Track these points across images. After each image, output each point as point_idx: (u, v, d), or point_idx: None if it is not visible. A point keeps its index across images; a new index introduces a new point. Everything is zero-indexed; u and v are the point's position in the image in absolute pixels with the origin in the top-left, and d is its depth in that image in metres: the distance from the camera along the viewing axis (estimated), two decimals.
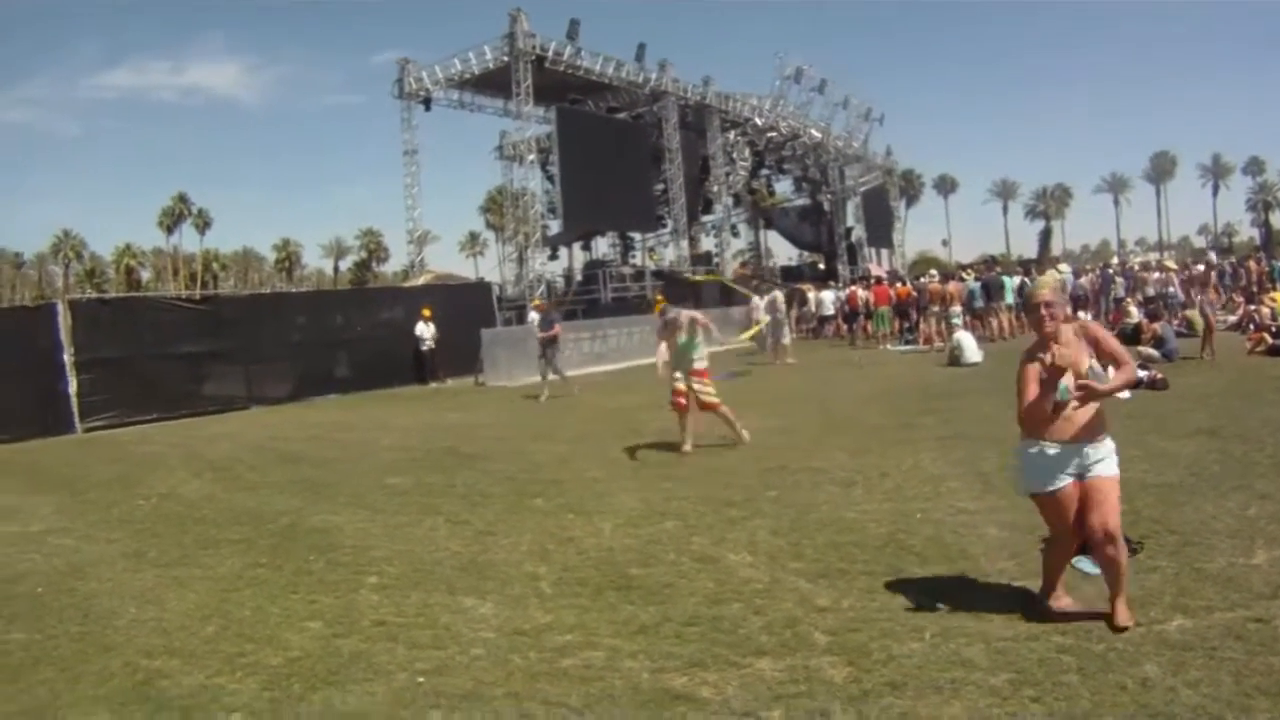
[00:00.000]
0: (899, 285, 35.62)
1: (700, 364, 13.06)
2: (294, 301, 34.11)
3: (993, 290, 30.53)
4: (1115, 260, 54.49)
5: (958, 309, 28.31)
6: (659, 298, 39.58)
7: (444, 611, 6.71)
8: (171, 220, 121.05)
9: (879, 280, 38.39)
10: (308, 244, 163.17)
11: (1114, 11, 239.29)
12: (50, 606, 7.63)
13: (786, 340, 28.32)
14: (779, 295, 30.43)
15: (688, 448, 12.76)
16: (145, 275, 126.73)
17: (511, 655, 5.78)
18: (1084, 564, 6.25)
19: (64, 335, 21.67)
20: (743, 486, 10.28)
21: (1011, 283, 30.94)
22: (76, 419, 21.32)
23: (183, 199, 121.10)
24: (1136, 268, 38.66)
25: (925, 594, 6.29)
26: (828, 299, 37.89)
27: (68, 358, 21.59)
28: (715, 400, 12.96)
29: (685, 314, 13.29)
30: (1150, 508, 8.08)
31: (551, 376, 21.96)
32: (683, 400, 12.99)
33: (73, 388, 21.51)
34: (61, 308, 22.59)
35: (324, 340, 26.88)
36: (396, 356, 26.26)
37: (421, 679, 5.52)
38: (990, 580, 6.47)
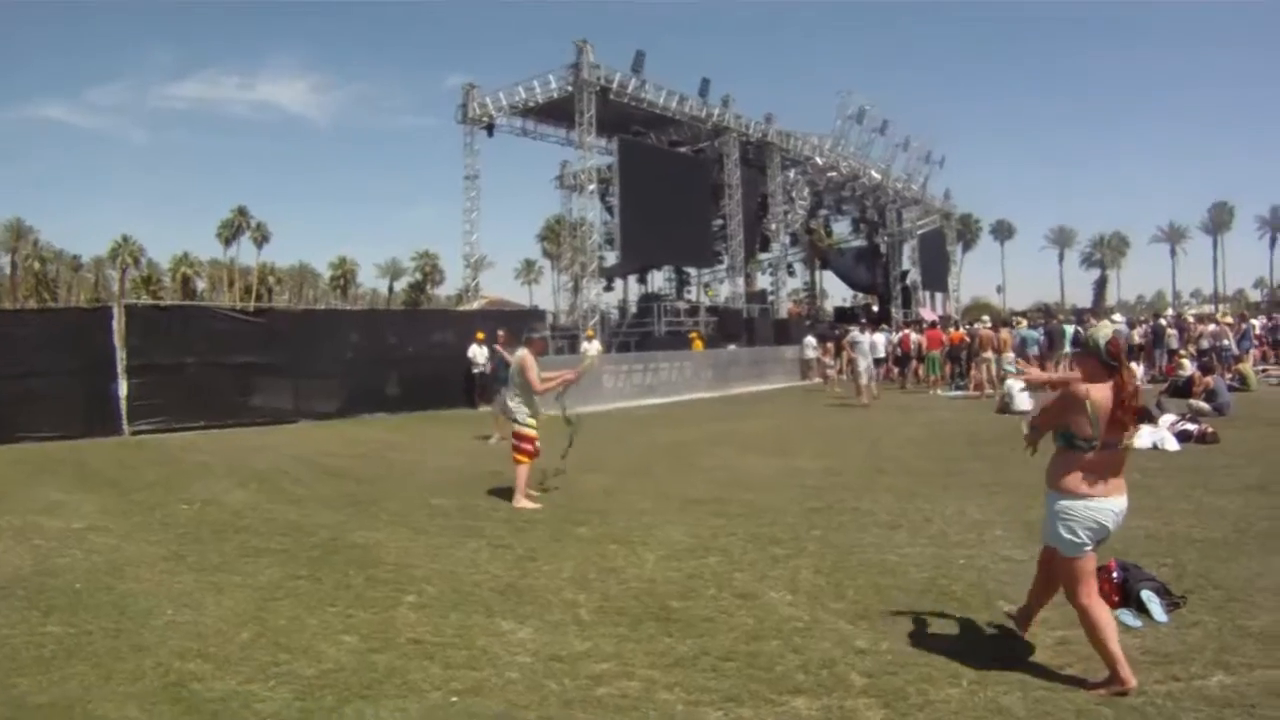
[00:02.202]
0: (952, 330, 35.48)
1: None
2: (347, 319, 34.38)
3: (1054, 339, 30.32)
4: (1169, 312, 53.80)
5: (1010, 356, 28.16)
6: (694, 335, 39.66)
7: (481, 633, 6.73)
8: (230, 232, 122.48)
9: (932, 324, 38.27)
10: (364, 263, 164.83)
11: (1173, 62, 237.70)
12: (87, 602, 7.72)
13: (864, 380, 27.97)
14: (859, 335, 30.11)
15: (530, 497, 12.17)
16: (201, 285, 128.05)
17: (547, 680, 5.79)
18: (1126, 616, 6.19)
19: (118, 339, 21.87)
20: (788, 525, 10.26)
21: (1070, 331, 30.75)
22: (124, 421, 21.48)
23: (242, 212, 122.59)
24: (1191, 320, 38.28)
25: (964, 640, 6.26)
26: (880, 341, 37.82)
27: (120, 361, 21.78)
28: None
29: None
30: (1195, 563, 8.02)
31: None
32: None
33: (123, 390, 21.68)
34: (117, 311, 22.78)
35: (375, 359, 26.95)
36: (447, 378, 26.33)
37: (455, 699, 5.54)
38: (1032, 630, 6.41)
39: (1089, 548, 5.60)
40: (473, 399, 26.38)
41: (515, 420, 12.13)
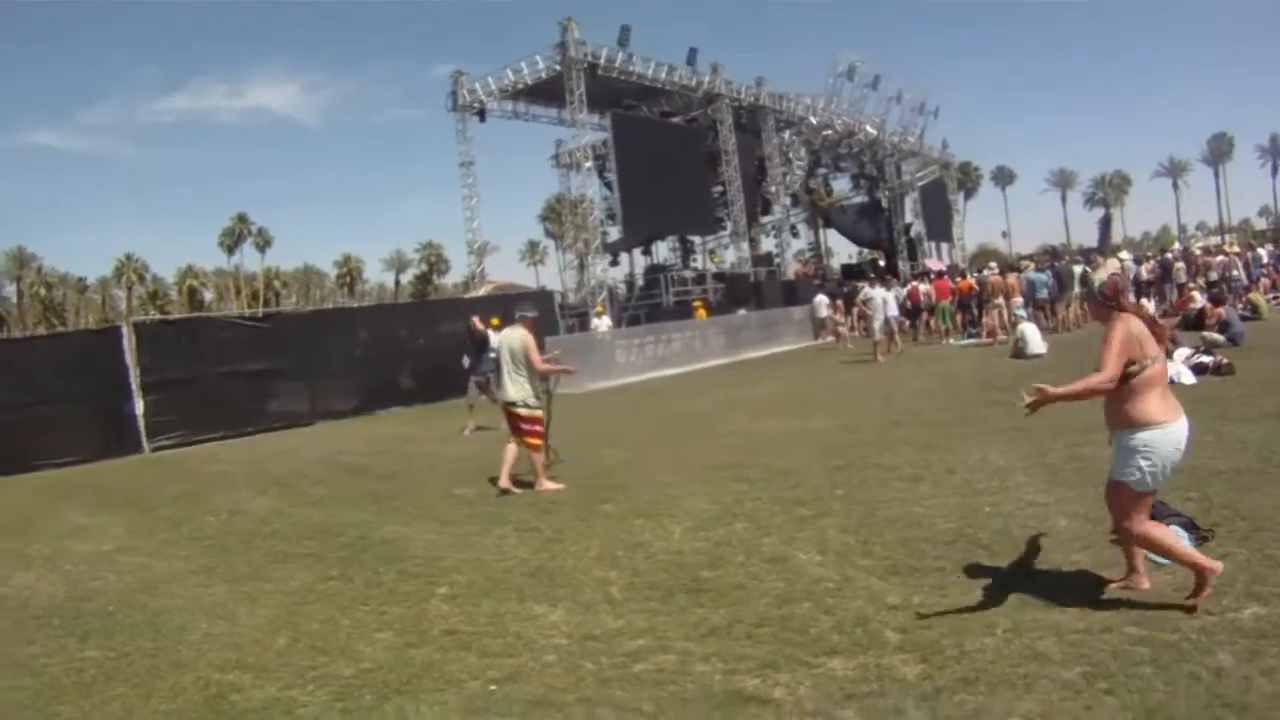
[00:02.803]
0: (960, 279, 35.40)
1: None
2: (356, 316, 34.44)
3: (1063, 280, 30.16)
4: (1176, 246, 53.63)
5: (1020, 300, 28.13)
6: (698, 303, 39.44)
7: (515, 619, 6.75)
8: (232, 240, 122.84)
9: (939, 275, 38.18)
10: (369, 259, 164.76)
11: None
12: (122, 623, 7.73)
13: (879, 336, 27.80)
14: (869, 290, 29.87)
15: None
16: (208, 295, 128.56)
17: (583, 661, 5.81)
18: (1154, 554, 6.19)
19: (129, 357, 21.89)
20: (811, 486, 10.27)
21: (1079, 272, 30.63)
22: (144, 439, 21.51)
23: (243, 219, 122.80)
24: (1198, 253, 38.15)
25: (996, 588, 6.27)
26: (877, 296, 37.81)
27: (134, 379, 21.80)
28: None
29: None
30: (1220, 494, 8.00)
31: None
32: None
33: (139, 408, 21.70)
34: (126, 330, 22.83)
35: (387, 354, 26.99)
36: (460, 368, 26.28)
37: (493, 687, 5.55)
38: (1061, 572, 6.41)
39: (1156, 483, 5.66)
40: (488, 386, 26.00)
41: (521, 405, 11.85)
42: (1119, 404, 5.66)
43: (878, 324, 27.67)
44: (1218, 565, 5.56)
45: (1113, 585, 5.95)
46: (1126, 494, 5.69)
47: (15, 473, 18.79)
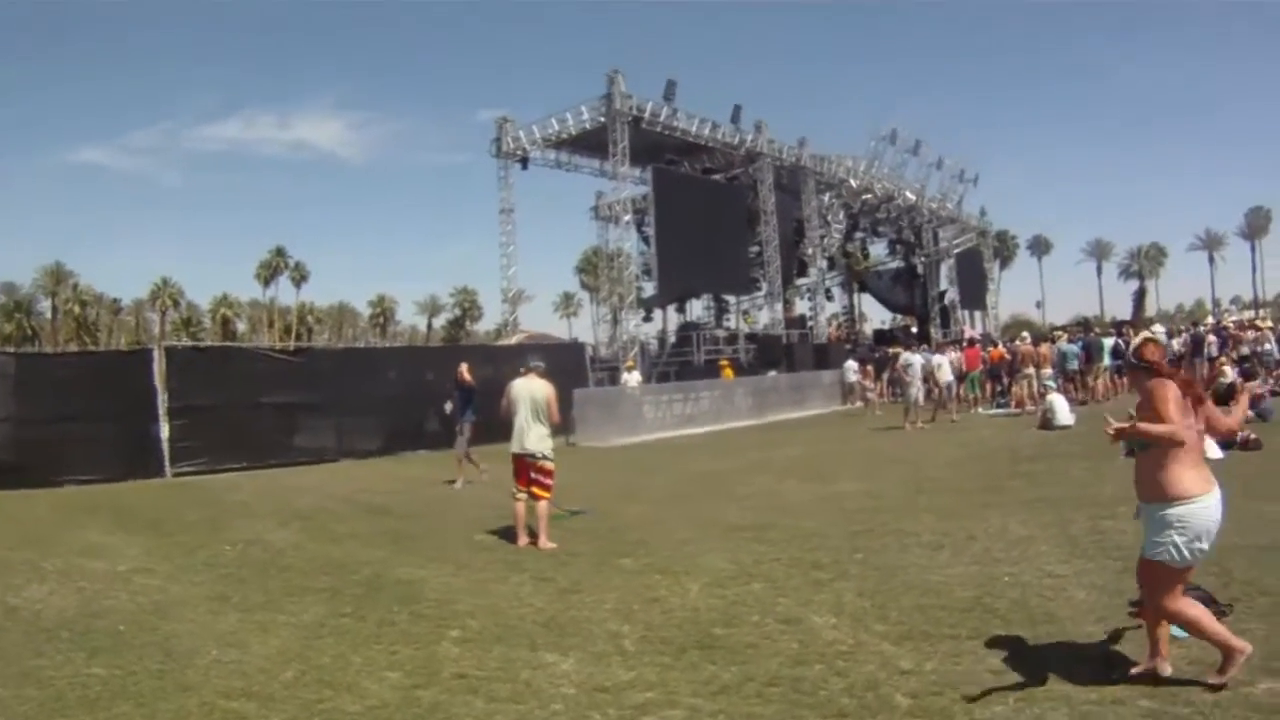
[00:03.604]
0: (992, 348, 35.33)
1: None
2: (387, 356, 34.49)
3: (1092, 352, 30.10)
4: (1209, 320, 53.35)
5: (1049, 371, 28.07)
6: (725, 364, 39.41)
7: (525, 667, 6.75)
8: (269, 273, 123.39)
9: (970, 342, 38.12)
10: (403, 300, 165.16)
11: (1202, 67, 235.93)
12: (132, 643, 7.79)
13: (912, 401, 27.54)
14: (909, 356, 29.76)
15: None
16: (241, 326, 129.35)
17: (590, 712, 5.81)
18: (1171, 628, 6.16)
19: (158, 381, 22.04)
20: (831, 549, 10.25)
21: (1109, 344, 30.51)
22: (167, 463, 21.61)
23: (280, 252, 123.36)
24: (1231, 326, 37.98)
25: (1010, 657, 6.24)
26: (917, 362, 37.73)
27: (161, 403, 21.92)
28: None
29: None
30: (1241, 570, 7.98)
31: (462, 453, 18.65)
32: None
33: (165, 432, 21.81)
34: (157, 353, 23.03)
35: (416, 396, 26.95)
36: (488, 414, 26.17)
37: None
38: (1076, 643, 6.38)
39: (1194, 559, 5.60)
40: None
41: (541, 456, 11.76)
42: (1152, 472, 5.63)
43: (914, 390, 27.47)
44: (1248, 646, 5.51)
45: (1136, 669, 5.92)
46: (1161, 571, 5.64)
47: (39, 486, 18.97)
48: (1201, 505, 5.49)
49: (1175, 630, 6.04)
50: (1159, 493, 5.57)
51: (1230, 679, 5.43)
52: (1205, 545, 5.54)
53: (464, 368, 19.07)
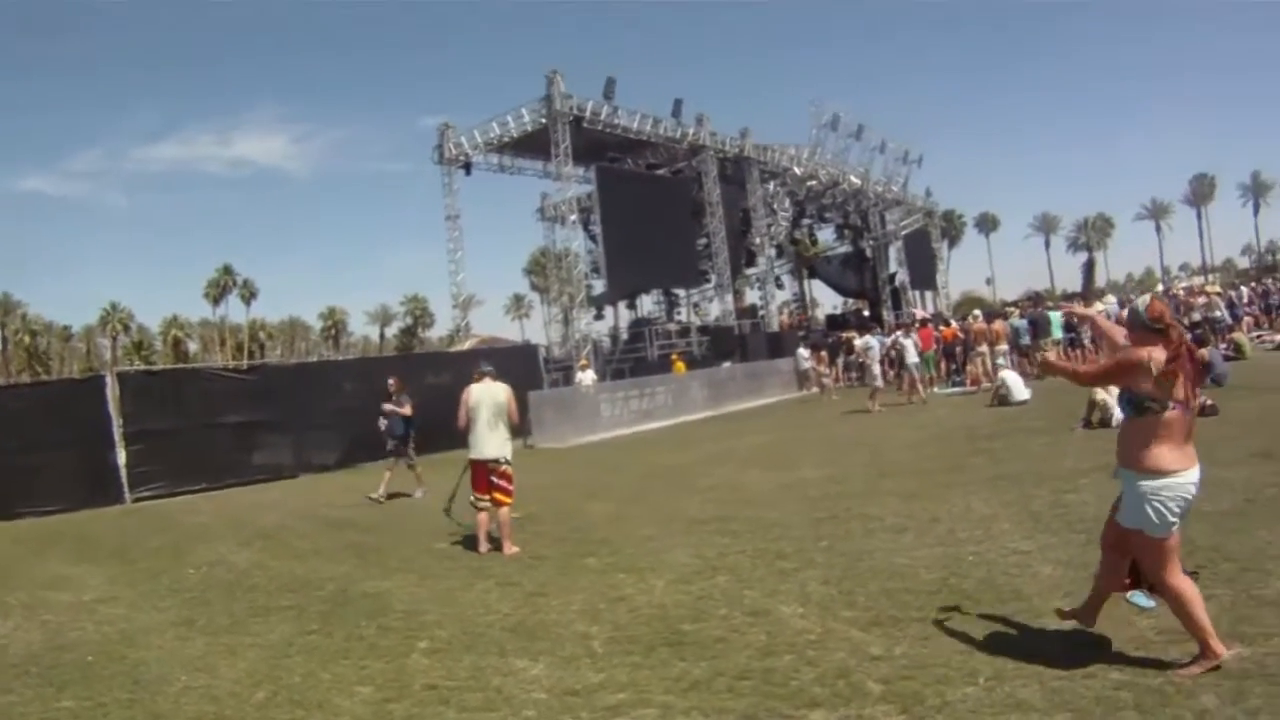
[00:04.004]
0: (944, 327, 35.49)
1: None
2: (340, 369, 34.24)
3: (1040, 327, 30.24)
4: (1159, 288, 53.88)
5: (1003, 348, 28.20)
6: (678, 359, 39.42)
7: (495, 674, 6.71)
8: (217, 291, 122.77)
9: (923, 323, 38.28)
10: (354, 312, 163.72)
11: (1142, 36, 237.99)
12: (100, 674, 7.70)
13: (879, 384, 27.65)
14: (869, 339, 29.82)
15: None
16: (193, 346, 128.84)
17: (563, 716, 5.78)
18: (1139, 598, 6.18)
19: (112, 407, 21.92)
20: (795, 538, 10.26)
21: (1058, 318, 30.66)
22: (126, 490, 21.46)
23: (228, 270, 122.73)
24: (1181, 294, 38.36)
25: (979, 637, 6.25)
26: (876, 345, 37.93)
27: (116, 429, 21.82)
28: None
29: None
30: (1205, 536, 8.02)
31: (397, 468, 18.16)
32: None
33: (122, 459, 21.67)
34: (110, 379, 22.91)
35: (371, 407, 26.80)
36: (445, 420, 26.06)
37: None
38: (1044, 620, 6.39)
39: (1176, 525, 5.56)
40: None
41: (504, 461, 11.69)
42: (1135, 441, 5.61)
43: (876, 371, 27.61)
44: (1224, 653, 5.38)
45: (1062, 610, 5.96)
46: (1144, 540, 5.62)
47: None
48: (1177, 481, 5.47)
49: (1143, 600, 6.06)
50: (1138, 462, 5.55)
51: (1195, 674, 5.31)
52: (1175, 519, 5.53)
53: (393, 381, 18.87)
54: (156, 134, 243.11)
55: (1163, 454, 5.47)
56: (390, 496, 17.36)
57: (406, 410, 18.18)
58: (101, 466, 21.51)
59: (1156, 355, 5.43)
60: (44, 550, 15.14)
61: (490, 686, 6.46)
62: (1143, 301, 5.73)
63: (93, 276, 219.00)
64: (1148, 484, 5.50)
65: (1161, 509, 5.48)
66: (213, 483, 22.39)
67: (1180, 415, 5.49)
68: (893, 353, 33.08)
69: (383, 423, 18.44)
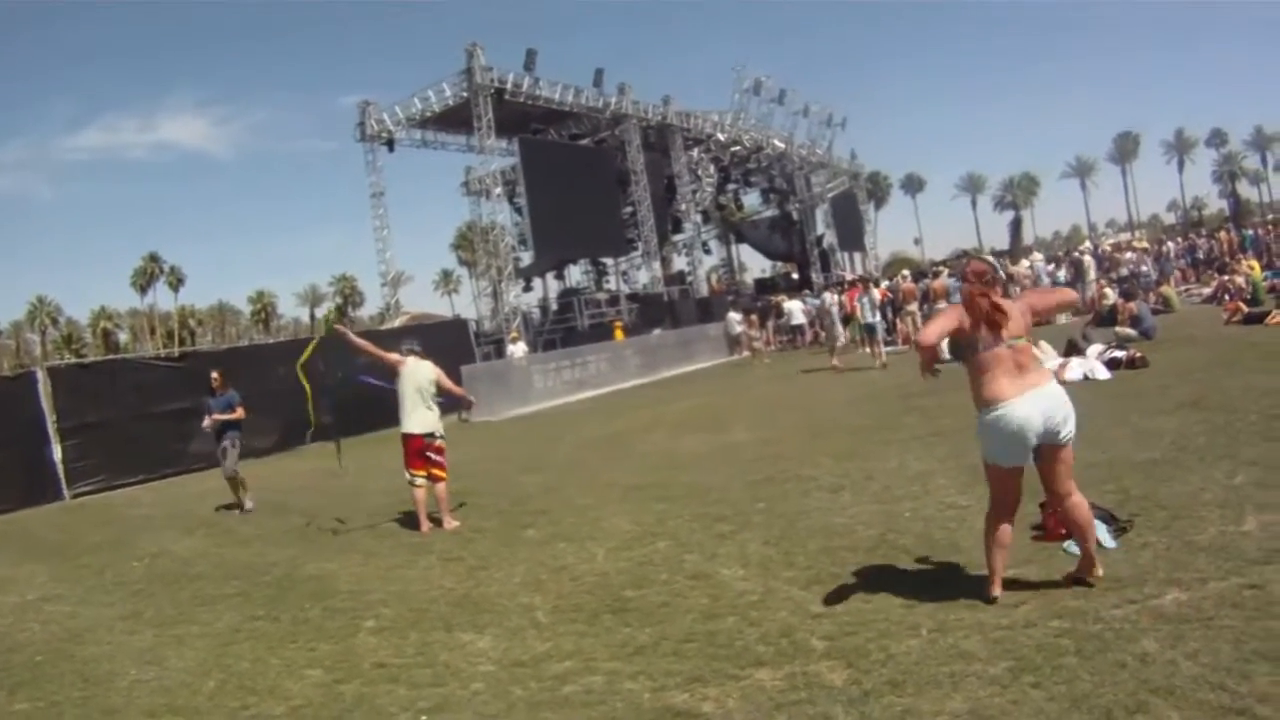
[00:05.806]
0: (875, 287, 35.69)
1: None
2: (271, 352, 33.90)
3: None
4: (1087, 244, 54.46)
5: (943, 305, 28.35)
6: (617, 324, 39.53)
7: (442, 649, 6.71)
8: (144, 280, 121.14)
9: (851, 284, 38.51)
10: (283, 294, 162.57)
11: None
12: (50, 674, 7.60)
13: (841, 342, 27.63)
14: (829, 297, 29.87)
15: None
16: (123, 337, 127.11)
17: (512, 687, 5.77)
18: (1073, 547, 6.26)
19: (45, 402, 21.70)
20: (732, 502, 10.29)
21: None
22: (64, 486, 21.26)
23: (154, 258, 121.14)
24: (1109, 249, 38.84)
25: (920, 591, 6.30)
26: (797, 308, 38.09)
27: (50, 425, 21.60)
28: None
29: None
30: (1138, 485, 8.12)
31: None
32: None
33: (58, 454, 21.45)
34: (41, 375, 22.64)
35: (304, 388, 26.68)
36: (379, 400, 25.88)
37: (424, 718, 5.50)
38: (983, 572, 6.43)
39: (1007, 457, 5.87)
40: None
41: (438, 436, 11.66)
42: (970, 382, 5.98)
43: (837, 330, 27.60)
44: (1099, 574, 5.94)
45: (1069, 575, 6.08)
46: (987, 470, 6.08)
47: None
48: (1001, 412, 5.75)
49: (1076, 549, 6.14)
50: (975, 400, 5.94)
51: (1067, 580, 5.99)
52: (1003, 449, 5.88)
53: (216, 375, 16.75)
54: (79, 121, 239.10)
55: (980, 392, 5.87)
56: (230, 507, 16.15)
57: (239, 414, 16.24)
58: (38, 464, 21.28)
59: (964, 307, 5.93)
60: None
61: (438, 661, 6.45)
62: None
63: (19, 270, 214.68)
64: (982, 417, 5.89)
65: (986, 438, 5.92)
66: (151, 473, 22.27)
67: (996, 353, 5.79)
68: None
69: (206, 423, 16.24)
